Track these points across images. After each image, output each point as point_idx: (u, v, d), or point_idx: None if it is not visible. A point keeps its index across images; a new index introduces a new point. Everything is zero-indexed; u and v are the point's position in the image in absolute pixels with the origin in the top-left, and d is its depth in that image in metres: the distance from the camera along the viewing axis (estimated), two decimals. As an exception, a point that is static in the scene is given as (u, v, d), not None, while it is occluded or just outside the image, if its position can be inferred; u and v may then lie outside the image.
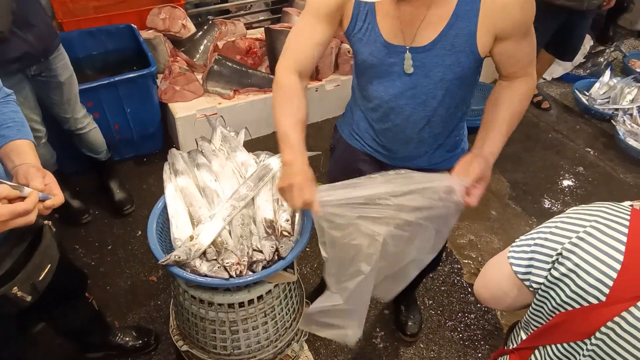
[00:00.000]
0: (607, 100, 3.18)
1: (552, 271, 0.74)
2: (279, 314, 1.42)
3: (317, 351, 1.80)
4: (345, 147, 1.41)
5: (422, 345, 1.84)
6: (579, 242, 0.72)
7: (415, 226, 1.06)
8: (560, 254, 0.73)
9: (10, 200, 0.85)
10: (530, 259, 0.78)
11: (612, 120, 3.04)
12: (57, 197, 0.95)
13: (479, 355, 1.81)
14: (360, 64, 1.17)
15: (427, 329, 1.89)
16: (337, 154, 1.47)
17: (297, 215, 1.34)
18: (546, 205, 2.50)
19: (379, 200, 1.04)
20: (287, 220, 1.30)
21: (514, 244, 0.83)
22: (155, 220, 1.35)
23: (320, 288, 1.91)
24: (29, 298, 1.00)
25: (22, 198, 0.86)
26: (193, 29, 2.84)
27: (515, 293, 0.82)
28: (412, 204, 1.04)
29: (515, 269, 0.79)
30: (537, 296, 0.79)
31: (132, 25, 2.59)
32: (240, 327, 1.36)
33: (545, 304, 0.77)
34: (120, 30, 2.60)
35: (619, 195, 2.57)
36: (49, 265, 1.07)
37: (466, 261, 2.18)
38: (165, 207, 1.37)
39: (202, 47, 2.79)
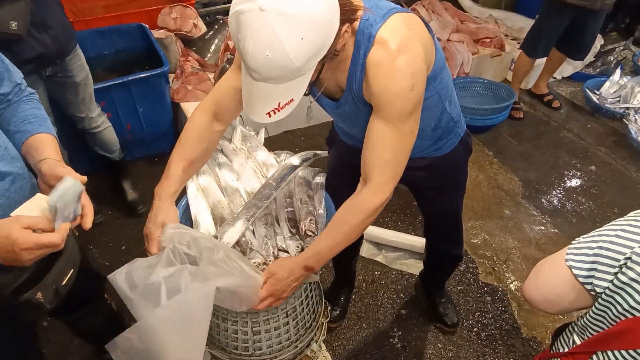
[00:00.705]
0: (617, 99, 3.16)
1: (620, 275, 0.72)
2: (300, 314, 1.41)
3: (334, 351, 1.79)
4: (339, 142, 1.45)
5: (439, 345, 1.83)
6: None
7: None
8: (630, 258, 0.71)
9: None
10: (594, 262, 0.75)
11: (623, 119, 3.03)
12: (87, 208, 0.91)
13: (498, 354, 1.80)
14: None
15: (444, 328, 1.89)
16: (333, 149, 1.50)
17: (321, 212, 1.33)
18: (559, 204, 2.49)
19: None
20: (311, 220, 1.29)
21: (571, 247, 0.81)
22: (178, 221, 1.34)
23: (335, 287, 1.90)
24: (51, 303, 0.99)
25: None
26: (204, 28, 2.83)
27: (572, 297, 0.80)
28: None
29: (576, 272, 0.77)
30: (600, 300, 0.76)
31: (144, 24, 2.58)
32: (262, 327, 1.35)
33: (610, 309, 0.75)
34: (131, 29, 2.59)
35: (632, 194, 2.56)
36: (72, 270, 1.06)
37: (481, 260, 2.17)
38: (187, 207, 1.36)
39: (213, 47, 2.78)
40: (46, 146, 0.99)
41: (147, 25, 2.59)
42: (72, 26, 1.81)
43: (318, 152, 1.49)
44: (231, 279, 1.03)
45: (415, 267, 2.10)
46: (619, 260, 0.72)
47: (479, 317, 1.93)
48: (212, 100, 1.13)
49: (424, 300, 1.97)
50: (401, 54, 0.92)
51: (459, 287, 2.04)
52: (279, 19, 0.76)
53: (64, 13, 1.78)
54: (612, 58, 3.47)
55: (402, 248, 2.17)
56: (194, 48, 2.75)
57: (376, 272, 2.08)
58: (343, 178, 1.38)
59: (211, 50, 2.78)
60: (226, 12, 3.35)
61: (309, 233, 1.27)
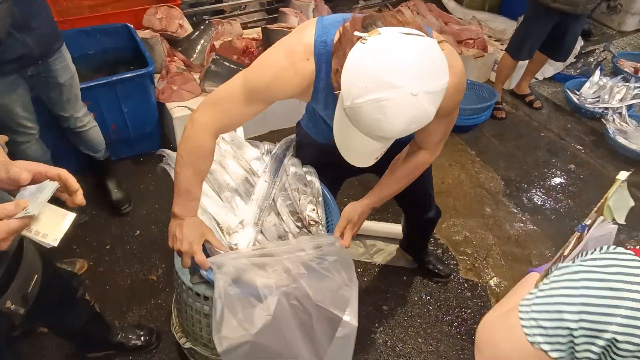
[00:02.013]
0: (597, 99, 3.24)
1: (613, 356, 0.62)
2: (282, 310, 1.44)
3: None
4: (311, 142, 1.47)
5: (420, 340, 1.87)
6: (631, 322, 0.60)
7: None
8: (614, 341, 0.60)
9: None
10: (571, 348, 0.65)
11: (602, 119, 3.10)
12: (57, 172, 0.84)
13: (476, 349, 1.85)
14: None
15: (425, 323, 1.93)
16: (303, 151, 1.50)
17: (320, 200, 1.36)
18: (539, 202, 2.55)
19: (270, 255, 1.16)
20: (313, 210, 1.31)
21: (528, 324, 0.67)
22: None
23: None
24: (21, 310, 1.00)
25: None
26: (190, 28, 2.85)
27: None
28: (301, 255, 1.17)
29: (553, 355, 0.66)
30: None
31: (129, 24, 2.59)
32: (244, 323, 1.37)
33: None
34: (117, 29, 2.59)
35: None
36: (36, 275, 1.07)
37: (462, 257, 2.22)
38: None
39: (199, 47, 2.80)
40: None
41: (132, 26, 2.59)
42: (57, 27, 1.81)
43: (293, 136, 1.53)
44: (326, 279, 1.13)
45: (389, 251, 2.20)
46: (601, 346, 0.62)
47: (458, 312, 1.97)
48: (220, 125, 1.12)
49: (405, 296, 2.02)
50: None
51: (439, 283, 2.08)
52: (427, 98, 0.84)
53: (51, 15, 1.77)
54: (592, 59, 3.55)
55: (380, 237, 2.24)
56: (179, 48, 2.76)
57: (358, 269, 2.11)
58: (324, 177, 1.42)
59: (197, 51, 2.79)
60: (213, 13, 3.37)
61: (312, 222, 1.29)
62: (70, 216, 0.83)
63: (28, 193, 0.81)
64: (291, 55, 1.04)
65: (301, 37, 1.05)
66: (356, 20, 0.94)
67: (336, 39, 1.00)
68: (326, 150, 1.41)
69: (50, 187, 0.82)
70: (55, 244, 0.81)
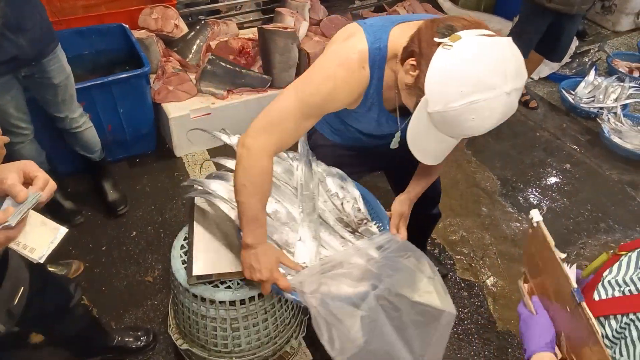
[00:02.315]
0: (592, 99, 3.26)
1: None
2: (279, 311, 1.44)
3: (314, 347, 1.81)
4: (327, 143, 1.47)
5: (417, 340, 1.87)
6: None
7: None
8: None
9: None
10: None
11: (597, 119, 3.12)
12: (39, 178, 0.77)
13: (473, 347, 1.85)
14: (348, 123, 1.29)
15: (422, 324, 1.93)
16: (319, 153, 1.50)
17: (360, 199, 1.40)
18: (535, 202, 2.56)
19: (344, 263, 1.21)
20: (359, 210, 1.36)
21: None
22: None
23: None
24: (6, 324, 0.97)
25: None
26: (185, 29, 2.84)
27: None
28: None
29: None
30: None
31: (124, 24, 2.57)
32: (241, 324, 1.37)
33: None
34: (112, 29, 2.58)
35: (604, 191, 2.64)
36: (22, 288, 1.04)
37: (459, 257, 2.22)
38: None
39: (194, 47, 2.79)
40: None
41: (127, 26, 2.58)
42: (52, 28, 1.80)
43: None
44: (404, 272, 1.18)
45: None
46: None
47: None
48: (278, 145, 1.11)
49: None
50: None
51: (437, 283, 2.09)
52: (516, 94, 0.90)
53: (46, 15, 1.76)
54: (587, 59, 3.57)
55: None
56: (175, 48, 2.76)
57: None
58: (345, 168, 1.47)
59: (193, 51, 2.79)
60: (208, 13, 3.36)
61: (360, 223, 1.34)
62: (62, 231, 0.80)
63: (12, 203, 0.76)
64: (347, 65, 1.05)
65: (353, 45, 1.05)
66: (429, 26, 0.96)
67: (391, 44, 1.03)
68: (345, 150, 1.45)
69: (32, 196, 0.76)
70: (42, 260, 0.78)
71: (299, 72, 2.75)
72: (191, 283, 1.31)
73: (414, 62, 0.97)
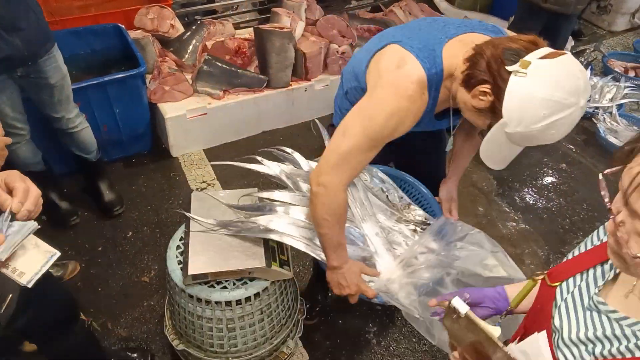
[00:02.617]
0: (587, 99, 3.27)
1: None
2: (275, 311, 1.44)
3: (311, 348, 1.82)
4: None
5: (414, 340, 1.88)
6: None
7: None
8: None
9: None
10: None
11: (592, 119, 3.13)
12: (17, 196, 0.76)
13: (470, 348, 1.85)
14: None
15: (419, 323, 1.93)
16: None
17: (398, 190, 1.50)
18: (531, 202, 2.57)
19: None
20: (400, 197, 1.45)
21: None
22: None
23: (312, 285, 1.93)
24: None
25: None
26: (181, 29, 2.83)
27: None
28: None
29: None
30: None
31: (120, 25, 2.57)
32: (237, 324, 1.37)
33: None
34: (107, 30, 2.57)
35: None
36: (11, 295, 1.02)
37: (455, 257, 2.23)
38: None
39: (190, 47, 2.78)
40: None
41: (123, 26, 2.57)
42: (49, 28, 1.79)
43: None
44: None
45: None
46: None
47: (452, 312, 1.98)
48: (350, 178, 1.19)
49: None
50: None
51: (433, 283, 2.09)
52: (586, 103, 0.97)
53: (42, 16, 1.75)
54: (582, 59, 3.58)
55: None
56: (171, 49, 2.75)
57: (353, 270, 2.12)
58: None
59: (189, 51, 2.78)
60: (204, 13, 3.36)
61: (404, 208, 1.45)
62: (54, 256, 0.78)
63: (7, 227, 0.75)
64: (409, 96, 1.09)
65: (410, 74, 1.08)
66: (492, 53, 1.01)
67: (446, 66, 1.09)
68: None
69: (27, 227, 0.75)
70: (30, 285, 0.76)
71: (295, 72, 2.75)
72: (187, 283, 1.31)
73: (487, 89, 1.01)
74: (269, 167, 1.41)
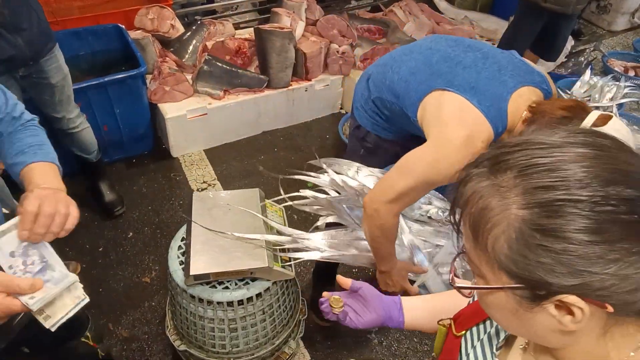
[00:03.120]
0: (588, 98, 3.27)
1: None
2: (277, 312, 1.44)
3: (313, 348, 1.81)
4: (388, 144, 1.52)
5: (415, 340, 1.87)
6: None
7: None
8: None
9: None
10: None
11: (593, 118, 3.12)
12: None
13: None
14: None
15: (420, 323, 1.93)
16: (378, 155, 1.55)
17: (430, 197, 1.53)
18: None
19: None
20: (441, 210, 1.46)
21: None
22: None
23: (314, 286, 1.93)
24: (1, 342, 0.96)
25: None
26: (182, 29, 2.83)
27: None
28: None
29: None
30: None
31: (120, 25, 2.56)
32: (239, 325, 1.37)
33: None
34: (108, 30, 2.57)
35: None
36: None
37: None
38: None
39: (191, 48, 2.78)
40: (33, 176, 0.96)
41: (123, 26, 2.57)
42: (50, 28, 1.79)
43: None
44: None
45: None
46: None
47: (453, 312, 1.98)
48: (404, 207, 1.26)
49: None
50: None
51: (434, 283, 2.09)
52: None
53: (44, 16, 1.75)
54: (582, 59, 3.58)
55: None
56: (171, 49, 2.75)
57: (353, 269, 2.11)
58: None
59: (189, 51, 2.78)
60: (204, 13, 3.35)
61: (441, 210, 1.49)
62: (83, 301, 0.78)
63: (49, 274, 0.75)
64: (474, 152, 1.13)
65: (481, 136, 1.15)
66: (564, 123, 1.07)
67: (510, 122, 1.17)
68: (404, 143, 1.51)
69: (67, 281, 0.77)
70: (53, 329, 0.76)
71: (295, 72, 2.75)
72: (189, 283, 1.31)
73: None
74: (322, 179, 1.50)
